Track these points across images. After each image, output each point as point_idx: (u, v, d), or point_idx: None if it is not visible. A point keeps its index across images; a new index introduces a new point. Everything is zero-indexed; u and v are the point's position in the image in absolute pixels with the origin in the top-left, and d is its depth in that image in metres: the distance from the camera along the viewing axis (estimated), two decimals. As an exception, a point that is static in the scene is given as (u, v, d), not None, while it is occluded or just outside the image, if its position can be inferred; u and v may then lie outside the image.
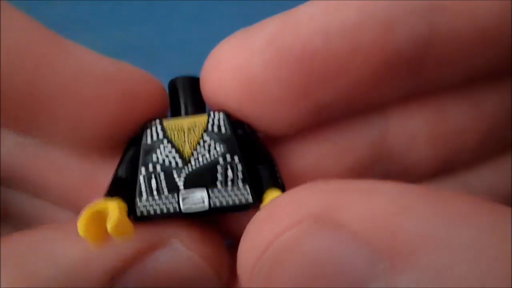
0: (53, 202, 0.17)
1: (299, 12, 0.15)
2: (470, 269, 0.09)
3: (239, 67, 0.15)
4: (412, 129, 0.17)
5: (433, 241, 0.10)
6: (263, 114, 0.15)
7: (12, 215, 0.18)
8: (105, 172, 0.16)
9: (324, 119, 0.16)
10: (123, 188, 0.15)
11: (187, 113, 0.16)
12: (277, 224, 0.11)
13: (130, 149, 0.15)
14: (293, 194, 0.12)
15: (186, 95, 0.16)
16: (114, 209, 0.13)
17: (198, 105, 0.16)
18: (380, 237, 0.10)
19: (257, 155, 0.16)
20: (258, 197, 0.15)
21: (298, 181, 0.16)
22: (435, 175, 0.18)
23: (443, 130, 0.17)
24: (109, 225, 0.13)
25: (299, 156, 0.17)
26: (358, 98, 0.16)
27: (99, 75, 0.14)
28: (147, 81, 0.16)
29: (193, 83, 0.16)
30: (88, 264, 0.14)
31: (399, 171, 0.18)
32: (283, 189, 0.15)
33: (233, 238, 0.17)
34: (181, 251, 0.15)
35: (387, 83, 0.15)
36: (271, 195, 0.15)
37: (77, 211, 0.17)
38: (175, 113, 0.16)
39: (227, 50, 0.15)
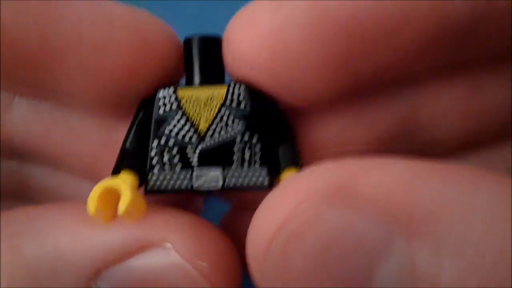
0: (73, 173, 0.17)
1: None
2: (487, 230, 0.09)
3: (274, 30, 0.13)
4: (444, 104, 0.16)
5: (448, 208, 0.10)
6: (295, 84, 0.14)
7: (32, 190, 0.18)
8: (122, 135, 0.15)
9: (357, 90, 0.15)
10: (133, 159, 0.14)
11: (203, 79, 0.15)
12: (294, 198, 0.11)
13: (140, 114, 0.15)
14: (308, 171, 0.12)
15: (202, 58, 0.15)
16: (126, 191, 0.13)
17: (216, 71, 0.15)
18: (396, 207, 0.10)
19: (277, 133, 0.15)
20: (274, 178, 0.14)
21: (322, 151, 0.16)
22: (458, 149, 0.18)
23: (476, 106, 0.16)
24: (121, 208, 0.13)
25: (325, 126, 0.16)
26: (399, 69, 0.15)
27: (114, 21, 0.14)
28: (163, 31, 0.15)
29: (212, 44, 0.15)
30: (76, 252, 0.13)
31: (424, 145, 0.17)
32: (300, 168, 0.14)
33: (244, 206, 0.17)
34: (173, 257, 0.14)
35: (432, 54, 0.15)
36: (289, 175, 0.14)
37: (97, 180, 0.17)
38: (189, 77, 0.15)
39: (261, 10, 0.14)
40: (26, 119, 0.16)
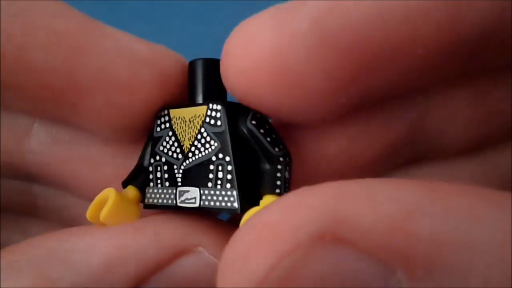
0: (84, 199, 0.17)
1: None
2: (495, 267, 0.09)
3: (277, 50, 0.13)
4: (450, 111, 0.16)
5: (450, 243, 0.09)
6: (298, 105, 0.13)
7: (40, 209, 0.18)
8: (135, 163, 0.16)
9: (362, 105, 0.15)
10: (139, 176, 0.15)
11: (205, 98, 0.15)
12: (273, 248, 0.10)
13: (149, 136, 0.15)
14: (284, 208, 0.10)
15: (204, 80, 0.15)
16: (110, 199, 0.14)
17: (217, 91, 0.15)
18: (391, 247, 0.09)
19: (258, 155, 0.14)
20: (250, 203, 0.13)
21: (328, 165, 0.15)
22: (463, 154, 0.17)
23: (483, 112, 0.16)
24: (101, 214, 0.14)
25: (330, 141, 0.15)
26: (405, 85, 0.14)
27: (136, 58, 0.14)
28: (181, 64, 0.15)
29: (213, 66, 0.15)
30: (110, 271, 0.13)
31: (429, 150, 0.17)
32: (279, 194, 0.14)
33: None
34: (206, 258, 0.14)
35: (441, 69, 0.14)
36: (265, 203, 0.13)
37: None
38: (192, 98, 0.15)
39: (261, 29, 0.13)
40: (44, 147, 0.16)
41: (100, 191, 0.17)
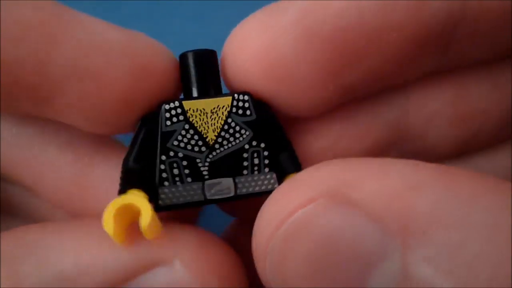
0: (47, 201, 0.17)
1: None
2: (483, 248, 0.09)
3: (265, 46, 0.14)
4: (432, 110, 0.17)
5: (446, 219, 0.10)
6: (289, 95, 0.15)
7: (14, 208, 0.18)
8: (98, 173, 0.15)
9: (348, 99, 0.16)
10: (138, 177, 0.14)
11: (200, 91, 0.15)
12: (292, 201, 0.11)
13: (142, 131, 0.14)
14: (309, 172, 0.12)
15: (199, 72, 0.15)
16: (146, 208, 0.13)
17: (213, 83, 0.15)
18: (392, 215, 0.10)
19: (278, 140, 0.15)
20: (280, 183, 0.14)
21: (316, 160, 0.16)
22: (450, 158, 0.18)
23: (463, 111, 0.17)
24: (144, 224, 0.12)
25: (318, 136, 0.16)
26: (385, 76, 0.15)
27: (110, 47, 0.14)
28: (160, 53, 0.15)
29: (207, 58, 0.15)
30: (81, 275, 0.13)
31: (416, 152, 0.17)
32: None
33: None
34: (182, 273, 0.14)
35: (415, 60, 0.15)
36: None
37: (68, 211, 0.16)
38: (187, 90, 0.15)
39: (253, 28, 0.14)
40: (5, 148, 0.16)
41: (61, 196, 0.16)
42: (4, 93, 0.13)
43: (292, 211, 0.11)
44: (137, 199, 0.13)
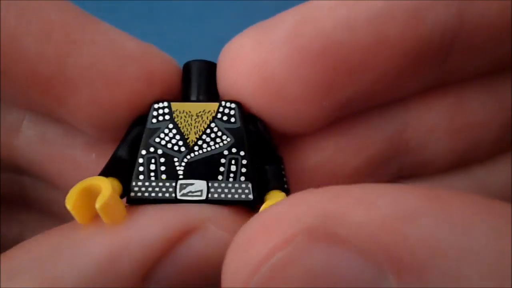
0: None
1: (319, 3, 0.14)
2: (486, 280, 0.09)
3: (257, 63, 0.14)
4: (431, 122, 0.17)
5: (443, 251, 0.09)
6: (282, 113, 0.15)
7: (30, 199, 0.18)
8: None
9: (343, 115, 0.16)
10: (120, 168, 0.14)
11: (198, 100, 0.15)
12: (269, 240, 0.10)
13: (134, 129, 0.15)
14: (286, 204, 0.11)
15: (199, 80, 0.16)
16: (106, 187, 0.13)
17: (211, 92, 0.15)
18: (383, 249, 0.09)
19: (265, 154, 0.15)
20: (259, 197, 0.14)
21: (313, 175, 0.16)
22: (450, 170, 0.18)
23: (462, 123, 0.17)
24: (98, 203, 0.12)
25: (314, 151, 0.16)
26: (381, 91, 0.15)
27: (125, 54, 0.14)
28: (168, 63, 0.15)
29: (208, 68, 0.16)
30: (115, 261, 0.13)
31: (414, 165, 0.17)
32: (287, 192, 0.15)
33: None
34: (215, 233, 0.14)
35: (412, 74, 0.15)
36: (274, 197, 0.14)
37: None
38: (186, 97, 0.16)
39: (245, 44, 0.14)
40: (32, 145, 0.17)
41: None
42: (20, 84, 0.14)
43: (271, 251, 0.10)
44: (101, 180, 0.13)
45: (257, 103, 0.14)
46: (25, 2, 0.14)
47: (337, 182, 0.16)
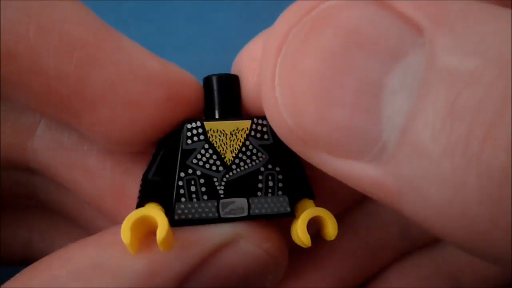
0: (83, 201, 0.17)
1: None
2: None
3: None
4: None
5: (472, 13, 0.10)
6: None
7: (40, 200, 0.18)
8: (134, 183, 0.16)
9: None
10: (158, 191, 0.15)
11: (222, 113, 0.16)
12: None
13: (162, 150, 0.15)
14: None
15: (221, 95, 0.16)
16: (163, 220, 0.13)
17: (233, 106, 0.16)
18: (425, 13, 0.10)
19: (292, 165, 0.15)
20: (293, 206, 0.15)
21: (325, 181, 0.16)
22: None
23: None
24: (159, 238, 0.13)
25: None
26: None
27: (148, 76, 0.14)
28: (190, 84, 0.15)
29: (229, 82, 0.16)
30: (155, 275, 0.13)
31: None
32: (314, 199, 0.15)
33: None
34: (247, 248, 0.15)
35: None
36: (304, 206, 0.15)
37: (102, 212, 0.17)
38: (209, 112, 0.16)
39: (259, 47, 0.15)
40: (46, 150, 0.16)
41: (96, 201, 0.16)
42: (37, 98, 0.14)
43: (314, 5, 0.11)
44: (154, 211, 0.13)
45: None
46: (45, 15, 0.13)
47: (345, 188, 0.17)
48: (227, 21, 0.29)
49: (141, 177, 0.15)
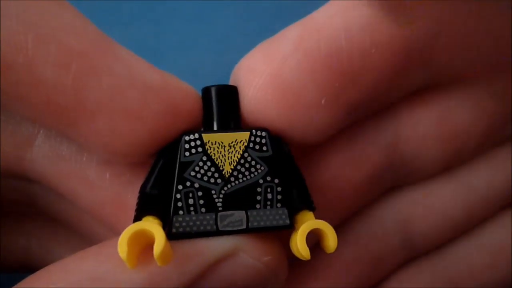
0: (83, 211, 0.17)
1: (318, 15, 0.15)
2: None
3: (273, 74, 0.15)
4: (421, 132, 0.18)
5: None
6: (300, 120, 0.15)
7: (38, 208, 0.18)
8: (134, 193, 0.16)
9: (348, 122, 0.17)
10: (155, 204, 0.14)
11: (221, 126, 0.15)
12: None
13: (160, 162, 0.15)
14: None
15: (220, 106, 0.16)
16: (160, 234, 0.13)
17: (232, 117, 0.16)
18: None
19: (291, 175, 0.15)
20: (292, 218, 0.15)
21: (324, 192, 0.17)
22: (435, 176, 0.19)
23: (449, 131, 0.18)
24: (156, 253, 0.13)
25: (324, 167, 0.17)
26: (380, 93, 0.16)
27: (145, 87, 0.14)
28: (189, 96, 0.15)
29: (228, 93, 0.16)
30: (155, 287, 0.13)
31: (405, 176, 0.18)
32: (314, 210, 0.15)
33: None
34: (246, 261, 0.15)
35: (404, 76, 0.16)
36: (304, 218, 0.15)
37: (102, 221, 0.17)
38: (207, 123, 0.16)
39: (257, 60, 0.15)
40: (45, 160, 0.16)
41: (95, 211, 0.16)
42: (35, 109, 0.14)
43: None
44: (152, 225, 0.13)
45: (278, 113, 0.15)
46: (43, 26, 0.13)
47: (341, 200, 0.17)
48: (227, 21, 0.29)
49: (139, 187, 0.15)
